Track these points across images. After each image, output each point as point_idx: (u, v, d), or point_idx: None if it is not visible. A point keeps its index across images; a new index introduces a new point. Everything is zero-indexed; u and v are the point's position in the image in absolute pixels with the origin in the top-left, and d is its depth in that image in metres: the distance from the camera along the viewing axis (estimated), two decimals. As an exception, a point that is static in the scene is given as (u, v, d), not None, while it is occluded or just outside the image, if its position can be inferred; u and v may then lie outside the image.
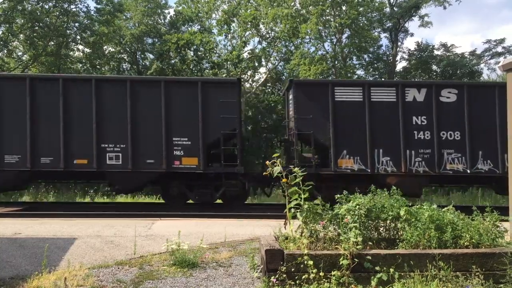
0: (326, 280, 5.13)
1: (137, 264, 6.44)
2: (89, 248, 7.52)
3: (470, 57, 30.84)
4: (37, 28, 26.22)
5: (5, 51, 27.16)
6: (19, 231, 8.84)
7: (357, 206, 5.74)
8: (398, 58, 32.32)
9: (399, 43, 32.14)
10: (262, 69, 32.63)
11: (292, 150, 13.87)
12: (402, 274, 5.20)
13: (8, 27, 25.52)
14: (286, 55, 31.10)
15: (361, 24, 29.74)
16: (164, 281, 5.67)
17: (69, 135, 12.96)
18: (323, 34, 30.29)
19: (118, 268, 6.29)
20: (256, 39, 32.18)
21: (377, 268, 5.22)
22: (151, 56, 31.90)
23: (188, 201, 14.51)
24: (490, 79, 31.77)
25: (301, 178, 6.05)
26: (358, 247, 5.30)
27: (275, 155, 6.68)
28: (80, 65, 29.76)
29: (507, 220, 6.44)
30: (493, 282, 5.19)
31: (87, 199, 19.03)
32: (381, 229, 6.09)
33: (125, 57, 32.13)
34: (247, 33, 31.52)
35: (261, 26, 31.31)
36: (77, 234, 8.62)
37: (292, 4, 30.58)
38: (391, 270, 5.19)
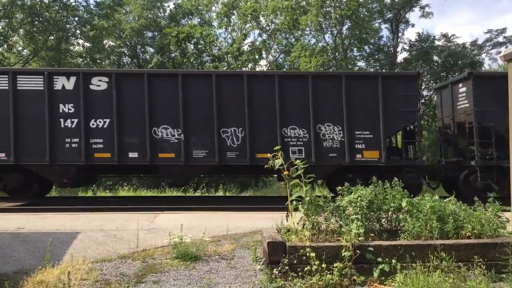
0: (328, 272, 5.15)
1: (140, 258, 6.46)
2: (92, 242, 7.54)
3: (471, 47, 30.74)
4: (37, 22, 26.18)
5: (5, 46, 27.14)
6: (22, 225, 8.86)
7: (359, 198, 5.75)
8: (399, 49, 32.28)
9: (400, 34, 32.07)
10: (263, 62, 32.60)
11: None
12: (404, 265, 5.21)
13: (8, 22, 25.50)
14: (286, 47, 31.04)
15: (361, 15, 29.63)
16: (167, 274, 5.69)
17: None
18: (323, 25, 30.20)
19: (121, 261, 6.31)
20: (256, 31, 32.14)
21: (379, 259, 5.24)
22: (152, 49, 31.86)
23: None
24: (492, 69, 31.70)
25: (302, 170, 6.06)
26: (360, 238, 5.32)
27: (276, 147, 6.68)
28: (80, 59, 29.73)
29: (509, 211, 6.44)
30: (495, 272, 5.21)
31: (90, 193, 19.09)
32: (383, 220, 6.10)
33: (125, 51, 32.10)
34: (247, 25, 31.48)
35: (261, 18, 31.26)
36: (79, 228, 8.64)
37: (292, -5, 30.49)
38: (393, 261, 5.20)
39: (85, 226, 8.85)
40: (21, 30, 26.93)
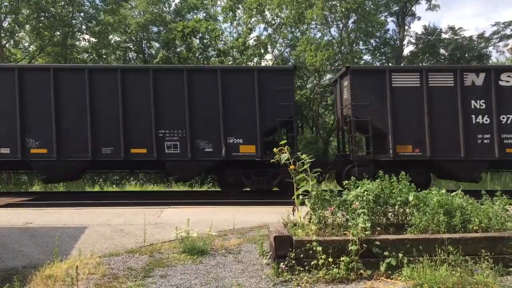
0: (335, 266, 5.16)
1: (147, 252, 6.50)
2: (100, 236, 7.59)
3: (478, 40, 30.49)
4: (43, 18, 26.22)
5: (12, 42, 27.23)
6: (30, 220, 8.93)
7: (366, 192, 5.74)
8: (405, 42, 32.05)
9: (406, 27, 31.82)
10: (268, 56, 32.49)
11: None
12: (411, 259, 5.21)
13: (14, 18, 25.55)
14: (292, 42, 30.89)
15: (367, 9, 29.40)
16: (174, 269, 5.73)
17: None
18: (329, 19, 30.02)
19: (129, 256, 6.35)
20: (262, 25, 32.00)
21: (386, 253, 5.24)
22: (157, 44, 31.84)
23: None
24: (499, 62, 31.44)
25: (308, 164, 6.06)
26: (366, 232, 5.31)
27: (282, 142, 6.68)
28: (86, 55, 29.78)
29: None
30: (502, 266, 5.19)
31: (97, 188, 19.18)
32: (390, 214, 6.11)
33: (131, 46, 32.11)
34: (253, 19, 31.34)
35: (266, 12, 31.09)
36: (87, 223, 8.70)
37: (298, -11, 30.30)
38: (400, 255, 5.20)
39: (92, 221, 8.91)
40: (27, 25, 26.97)
